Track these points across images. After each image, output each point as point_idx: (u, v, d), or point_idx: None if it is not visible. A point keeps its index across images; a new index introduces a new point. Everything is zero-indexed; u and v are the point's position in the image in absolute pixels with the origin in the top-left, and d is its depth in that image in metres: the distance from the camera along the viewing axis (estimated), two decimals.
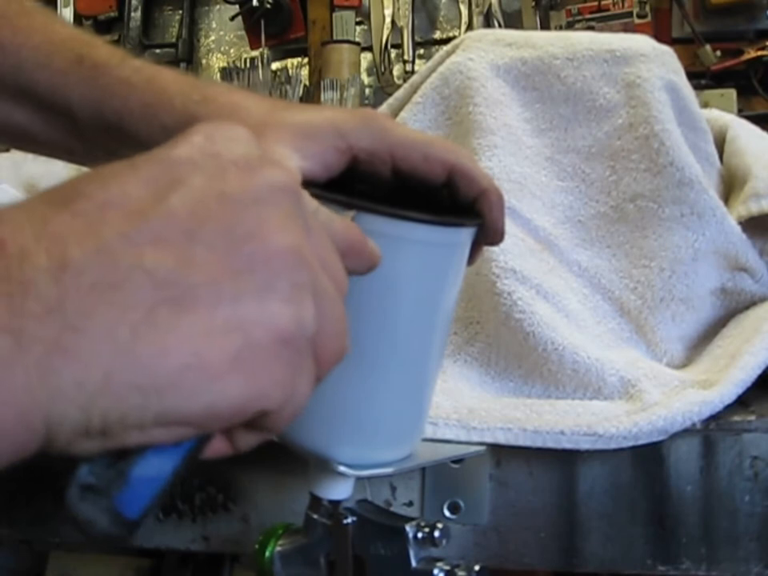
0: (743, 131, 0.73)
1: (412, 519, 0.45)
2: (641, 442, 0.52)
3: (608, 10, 1.27)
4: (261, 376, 0.27)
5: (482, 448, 0.52)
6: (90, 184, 0.27)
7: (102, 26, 1.52)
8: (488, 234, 0.44)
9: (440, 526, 0.44)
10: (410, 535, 0.44)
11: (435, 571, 0.43)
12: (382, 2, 1.36)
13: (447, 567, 0.43)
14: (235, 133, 0.30)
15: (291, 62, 1.48)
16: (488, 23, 1.31)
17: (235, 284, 0.26)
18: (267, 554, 0.47)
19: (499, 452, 0.53)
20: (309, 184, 0.41)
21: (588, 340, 0.61)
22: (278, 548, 0.46)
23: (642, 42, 0.68)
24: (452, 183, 0.43)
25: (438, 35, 1.43)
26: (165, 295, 0.25)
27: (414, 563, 0.43)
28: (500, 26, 1.30)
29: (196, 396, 0.25)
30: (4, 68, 0.47)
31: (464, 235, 0.42)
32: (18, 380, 0.23)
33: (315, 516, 0.45)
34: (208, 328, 0.26)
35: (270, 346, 0.27)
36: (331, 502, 0.45)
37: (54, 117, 0.48)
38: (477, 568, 0.43)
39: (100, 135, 0.47)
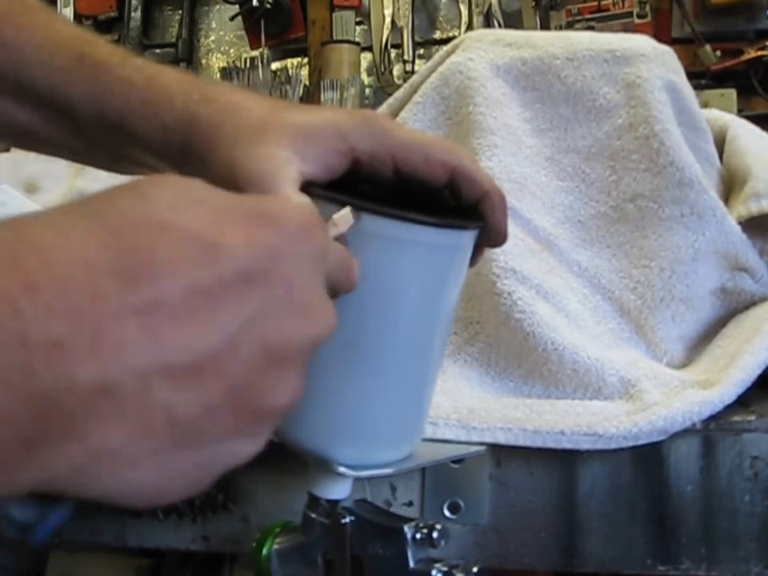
0: (743, 131, 0.73)
1: (410, 520, 0.45)
2: (641, 442, 0.52)
3: (608, 9, 1.27)
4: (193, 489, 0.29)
5: (482, 448, 0.52)
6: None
7: (102, 26, 1.51)
8: (490, 236, 0.44)
9: (438, 526, 0.44)
10: (409, 536, 0.44)
11: (433, 572, 0.43)
12: (382, 2, 1.36)
13: (445, 568, 0.43)
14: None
15: (291, 62, 1.48)
16: (488, 23, 1.31)
17: (233, 435, 0.28)
18: (264, 551, 0.47)
19: (499, 452, 0.53)
20: (312, 185, 0.41)
21: (588, 340, 0.61)
22: (276, 546, 0.46)
23: (642, 42, 0.68)
24: (454, 185, 0.43)
25: (438, 35, 1.43)
26: (174, 439, 0.26)
27: (412, 564, 0.43)
28: (500, 25, 1.30)
29: (137, 500, 0.27)
30: (6, 66, 0.47)
31: (466, 238, 0.42)
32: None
33: (313, 515, 0.45)
34: (189, 466, 0.28)
35: (223, 470, 0.30)
36: (329, 501, 0.45)
37: (56, 115, 0.48)
38: (475, 569, 0.43)
39: (101, 133, 0.47)
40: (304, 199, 0.40)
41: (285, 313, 0.29)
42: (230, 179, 0.41)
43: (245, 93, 0.46)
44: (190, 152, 0.43)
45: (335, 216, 0.37)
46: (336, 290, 0.34)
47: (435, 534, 0.43)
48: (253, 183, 0.40)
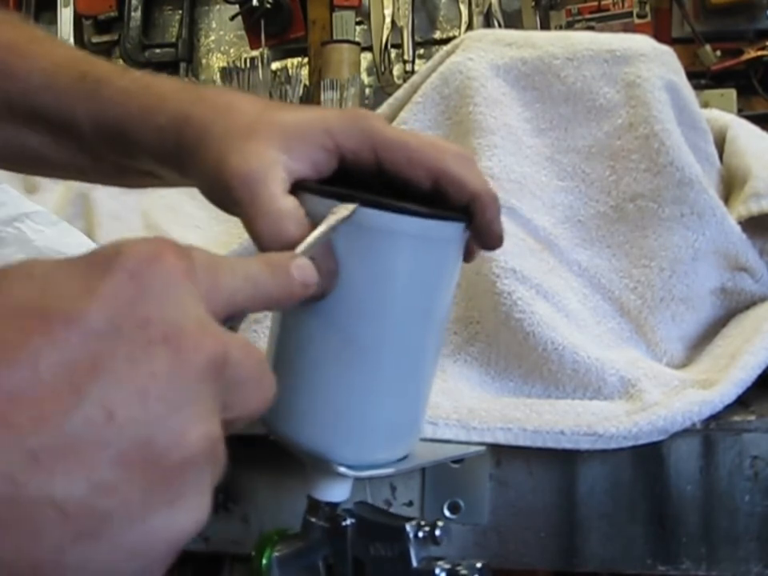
0: (743, 131, 0.73)
1: (411, 519, 0.45)
2: (641, 441, 0.52)
3: (608, 9, 1.27)
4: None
5: (482, 448, 0.52)
6: None
7: (102, 26, 1.52)
8: (483, 237, 0.43)
9: (440, 524, 0.44)
10: (411, 534, 0.44)
11: (437, 570, 0.43)
12: (382, 2, 1.36)
13: (448, 566, 0.43)
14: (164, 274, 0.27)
15: (291, 62, 1.47)
16: (488, 23, 1.31)
17: (146, 503, 0.25)
18: (264, 561, 0.46)
19: (499, 452, 0.53)
20: (303, 181, 0.41)
21: (588, 340, 0.61)
22: (276, 554, 0.46)
23: (642, 42, 0.68)
24: (439, 189, 0.42)
25: (438, 35, 1.43)
26: (75, 530, 0.23)
27: (414, 563, 0.43)
28: (500, 25, 1.29)
29: None
30: (16, 93, 0.48)
31: (455, 229, 0.41)
32: None
33: (313, 519, 0.45)
34: (114, 558, 0.24)
35: (168, 552, 0.26)
36: (329, 504, 0.44)
37: (63, 135, 0.49)
38: (479, 565, 0.42)
39: (105, 146, 0.48)
40: (290, 201, 0.40)
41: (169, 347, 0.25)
42: (218, 177, 0.41)
43: (238, 94, 0.46)
44: (183, 152, 0.44)
45: (334, 208, 0.38)
46: None
47: (438, 532, 0.43)
48: (240, 182, 0.40)
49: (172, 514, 0.25)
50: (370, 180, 0.44)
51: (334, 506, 0.45)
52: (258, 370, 0.29)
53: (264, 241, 0.39)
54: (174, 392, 0.25)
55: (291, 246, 0.38)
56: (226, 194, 0.41)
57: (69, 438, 0.23)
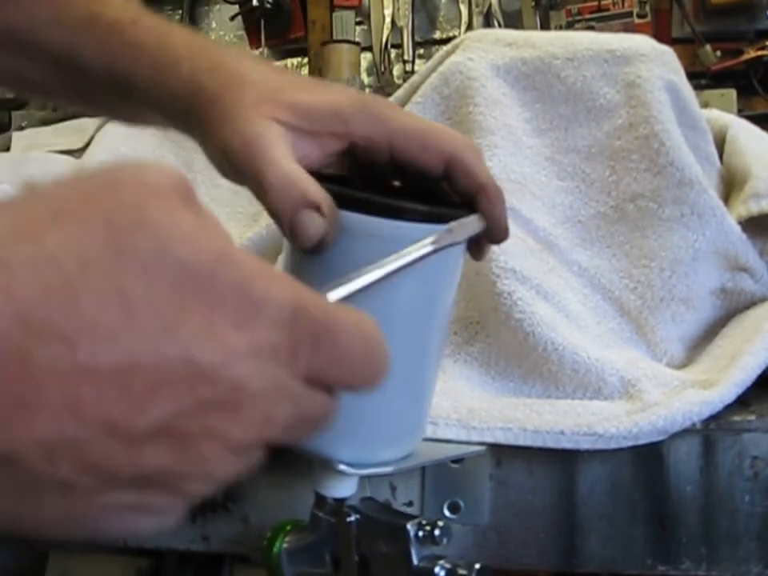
0: (743, 131, 0.73)
1: (414, 517, 0.45)
2: (641, 441, 0.52)
3: (608, 9, 1.27)
4: None
5: (482, 448, 0.52)
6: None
7: None
8: (490, 231, 0.43)
9: (441, 524, 0.44)
10: (412, 533, 0.44)
11: (437, 569, 0.43)
12: (382, 2, 1.36)
13: (448, 565, 0.43)
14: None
15: (291, 62, 1.47)
16: (488, 23, 1.30)
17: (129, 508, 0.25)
18: (275, 550, 0.47)
19: (499, 452, 0.53)
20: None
21: (588, 340, 0.61)
22: (285, 545, 0.47)
23: (642, 42, 0.68)
24: (450, 176, 0.42)
25: (438, 35, 1.43)
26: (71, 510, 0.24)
27: (415, 561, 0.43)
28: (500, 25, 1.29)
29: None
30: (19, 23, 0.47)
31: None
32: None
33: (320, 514, 0.46)
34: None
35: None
36: (335, 500, 0.45)
37: (68, 73, 0.48)
38: (477, 566, 0.43)
39: (112, 93, 0.47)
40: (293, 166, 0.40)
41: (217, 427, 0.25)
42: (224, 149, 0.41)
43: (254, 62, 0.45)
44: (192, 117, 0.44)
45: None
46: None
47: (437, 532, 0.44)
48: (247, 146, 0.40)
49: (142, 520, 0.26)
50: (372, 179, 0.44)
51: (339, 501, 0.45)
52: (361, 342, 0.28)
53: (272, 195, 0.39)
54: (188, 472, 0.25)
55: (300, 204, 0.38)
56: (233, 159, 0.41)
57: (112, 441, 0.23)
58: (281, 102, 0.42)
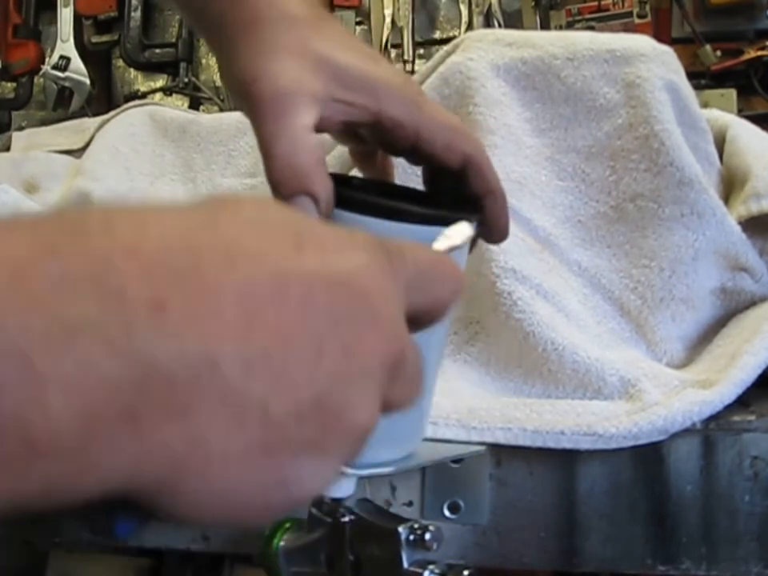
0: (743, 131, 0.73)
1: (407, 521, 0.45)
2: (641, 441, 0.52)
3: (608, 10, 1.27)
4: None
5: (482, 448, 0.52)
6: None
7: (102, 26, 1.51)
8: (491, 232, 0.44)
9: (432, 528, 0.44)
10: (403, 537, 0.44)
11: (426, 574, 0.43)
12: (382, 2, 1.36)
13: (438, 570, 0.43)
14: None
15: None
16: (488, 23, 1.30)
17: (315, 450, 0.26)
18: (274, 547, 0.47)
19: (499, 452, 0.53)
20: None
21: (588, 340, 0.61)
22: (282, 543, 0.47)
23: (642, 42, 0.68)
24: (464, 174, 0.43)
25: (437, 35, 1.43)
26: (265, 441, 0.25)
27: (405, 565, 0.43)
28: (500, 25, 1.29)
29: (212, 514, 0.25)
30: None
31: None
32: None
33: (317, 513, 0.46)
34: (268, 482, 0.25)
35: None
36: (333, 500, 0.45)
37: None
38: (467, 573, 0.43)
39: None
40: (314, 138, 0.39)
41: (367, 326, 0.26)
42: (247, 86, 0.40)
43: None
44: (217, 48, 0.43)
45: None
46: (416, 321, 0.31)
47: (427, 536, 0.43)
48: (269, 101, 0.39)
49: (320, 466, 0.26)
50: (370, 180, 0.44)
51: (337, 501, 0.45)
52: (419, 373, 0.30)
53: (276, 164, 0.38)
54: (365, 370, 0.27)
55: (303, 177, 0.37)
56: (253, 101, 0.39)
57: (289, 356, 0.24)
58: (318, 56, 0.40)
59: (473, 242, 0.45)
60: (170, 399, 0.22)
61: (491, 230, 0.44)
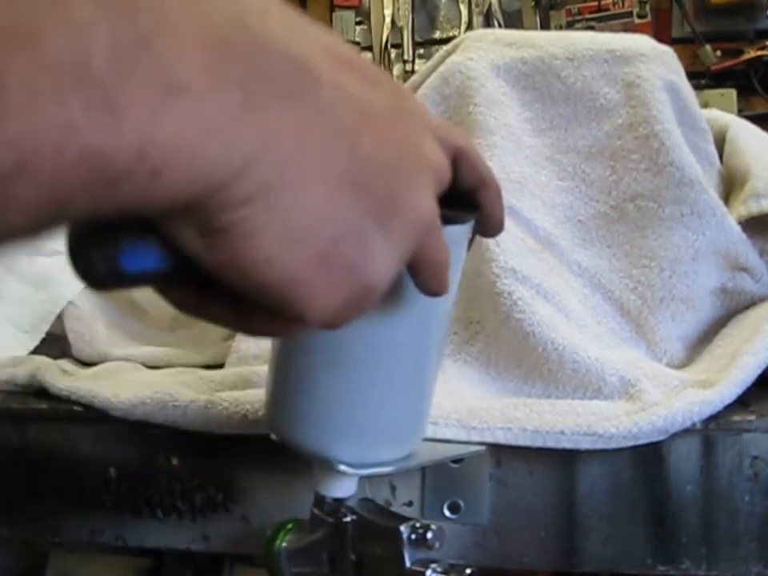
0: (743, 131, 0.73)
1: (409, 519, 0.45)
2: (641, 441, 0.52)
3: (608, 9, 1.27)
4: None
5: (482, 448, 0.52)
6: None
7: None
8: (486, 225, 0.43)
9: (433, 527, 0.44)
10: (405, 536, 0.44)
11: (428, 573, 0.43)
12: (382, 2, 1.36)
13: (440, 569, 0.43)
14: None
15: None
16: (488, 23, 1.31)
17: (379, 228, 0.29)
18: (276, 547, 0.47)
19: (499, 452, 0.53)
20: None
21: (588, 340, 0.61)
22: (284, 544, 0.47)
23: (642, 42, 0.68)
24: (455, 168, 0.43)
25: (437, 35, 1.43)
26: (351, 178, 0.28)
27: (408, 564, 0.43)
28: (500, 25, 1.30)
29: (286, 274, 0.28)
30: None
31: (463, 231, 0.41)
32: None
33: (319, 513, 0.46)
34: (340, 261, 0.28)
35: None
36: (335, 500, 0.45)
37: None
38: (468, 571, 0.43)
39: None
40: None
41: (429, 149, 0.33)
42: None
43: None
44: None
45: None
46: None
47: (429, 535, 0.43)
48: None
49: (385, 251, 0.30)
50: None
51: (338, 501, 0.45)
52: (446, 248, 0.36)
53: None
54: (419, 166, 0.32)
55: None
56: None
57: (368, 101, 0.29)
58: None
59: (471, 241, 0.45)
60: (284, 83, 0.26)
61: (486, 222, 0.43)
